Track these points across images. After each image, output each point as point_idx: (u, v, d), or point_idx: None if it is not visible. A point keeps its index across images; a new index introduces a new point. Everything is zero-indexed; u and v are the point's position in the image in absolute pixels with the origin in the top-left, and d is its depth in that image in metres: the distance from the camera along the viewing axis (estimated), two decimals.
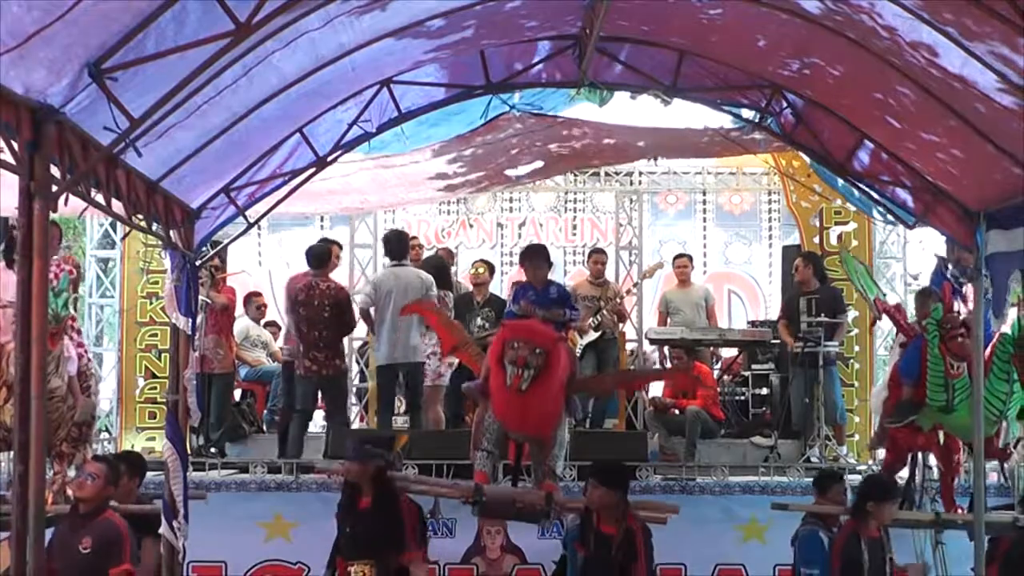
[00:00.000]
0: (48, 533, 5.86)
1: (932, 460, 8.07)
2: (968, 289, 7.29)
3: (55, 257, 7.05)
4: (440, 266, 10.38)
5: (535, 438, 6.77)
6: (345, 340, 11.04)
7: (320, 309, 9.43)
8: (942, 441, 7.56)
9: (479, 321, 10.13)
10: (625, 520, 6.50)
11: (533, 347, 6.33)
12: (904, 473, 8.11)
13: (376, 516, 6.35)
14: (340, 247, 10.61)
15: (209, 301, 9.81)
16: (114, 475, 6.27)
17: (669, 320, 11.25)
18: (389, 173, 9.92)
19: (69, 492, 6.55)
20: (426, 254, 11.44)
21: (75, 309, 8.03)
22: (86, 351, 7.65)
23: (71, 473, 6.82)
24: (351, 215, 11.79)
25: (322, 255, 9.78)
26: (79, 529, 6.01)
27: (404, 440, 6.80)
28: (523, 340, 6.38)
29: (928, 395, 7.28)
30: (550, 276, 7.77)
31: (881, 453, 10.37)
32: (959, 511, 7.47)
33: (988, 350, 7.13)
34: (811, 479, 9.12)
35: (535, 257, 7.58)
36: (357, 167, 9.43)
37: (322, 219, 13.19)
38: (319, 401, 9.85)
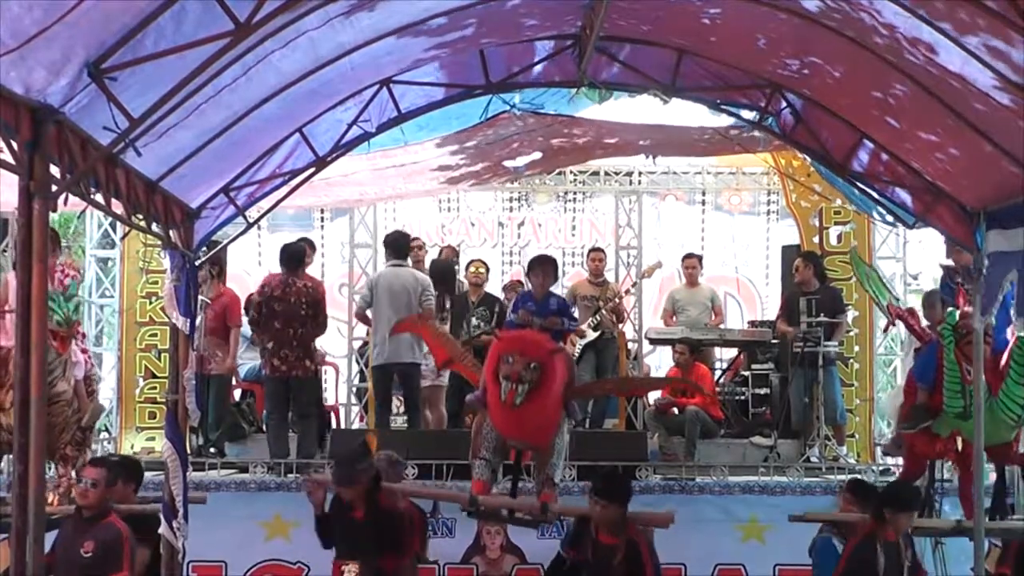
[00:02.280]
0: (52, 535, 5.90)
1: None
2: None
3: (60, 262, 7.06)
4: (446, 269, 10.39)
5: (534, 446, 6.77)
6: (345, 340, 11.04)
7: (297, 307, 9.37)
8: (960, 448, 7.48)
9: (475, 321, 10.14)
10: (626, 531, 6.50)
11: (527, 361, 6.29)
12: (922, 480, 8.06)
13: (371, 526, 6.34)
14: (314, 248, 10.58)
15: (208, 301, 9.78)
16: (112, 476, 6.30)
17: (675, 318, 11.28)
18: (388, 162, 9.87)
19: (74, 494, 6.57)
20: (430, 252, 11.47)
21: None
22: (89, 356, 7.66)
23: (74, 475, 6.83)
24: (351, 214, 11.79)
25: (298, 255, 9.73)
26: (82, 533, 6.06)
27: (374, 440, 6.79)
28: (517, 354, 6.34)
29: (945, 401, 7.20)
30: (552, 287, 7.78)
31: (881, 453, 10.44)
32: None
33: (1005, 355, 7.09)
34: (811, 479, 9.20)
35: (545, 267, 7.57)
36: (357, 160, 9.39)
37: (322, 218, 13.19)
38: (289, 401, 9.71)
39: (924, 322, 8.33)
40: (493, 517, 7.15)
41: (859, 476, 8.65)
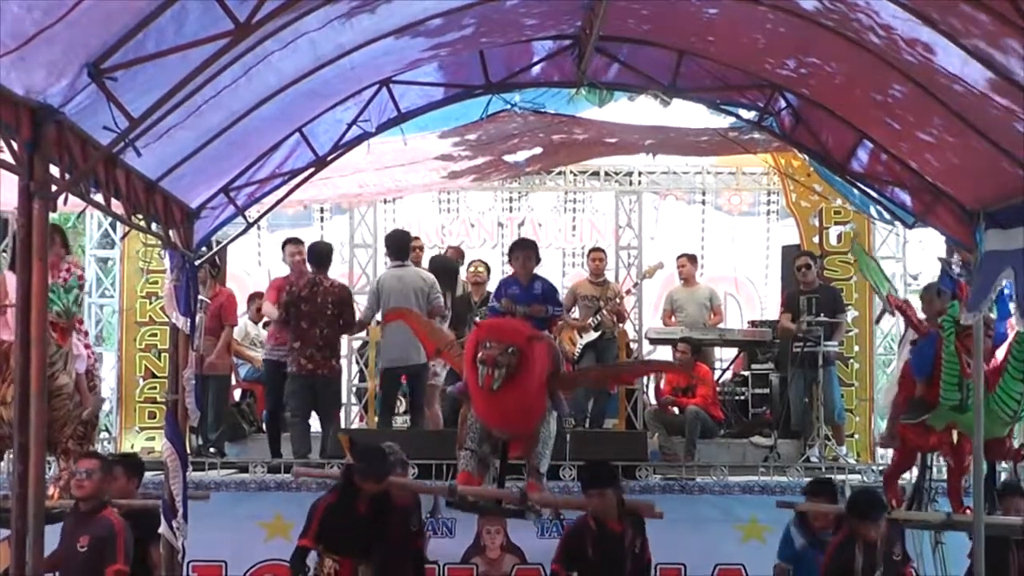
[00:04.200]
0: (54, 529, 5.92)
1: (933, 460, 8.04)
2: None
3: (68, 257, 7.07)
4: (447, 266, 10.38)
5: (517, 435, 6.76)
6: (344, 340, 11.05)
7: (323, 307, 9.41)
8: (956, 440, 7.46)
9: (479, 320, 10.13)
10: (626, 513, 6.53)
11: (504, 346, 6.30)
12: (912, 473, 8.07)
13: (377, 522, 6.35)
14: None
15: (208, 301, 9.78)
16: (107, 465, 6.33)
17: (674, 318, 11.28)
18: (388, 147, 9.83)
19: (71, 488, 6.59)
20: (431, 253, 11.46)
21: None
22: (92, 351, 7.68)
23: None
24: (351, 213, 11.78)
25: (326, 254, 9.75)
26: (79, 528, 6.10)
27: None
28: (494, 339, 6.35)
29: (942, 394, 7.15)
30: (537, 271, 7.76)
31: (881, 452, 10.43)
32: (967, 511, 7.39)
33: (1003, 350, 7.09)
34: (811, 479, 9.18)
35: (526, 251, 7.55)
36: (357, 152, 9.32)
37: (322, 217, 13.19)
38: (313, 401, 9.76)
39: (921, 315, 8.32)
40: (476, 507, 7.16)
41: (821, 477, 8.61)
